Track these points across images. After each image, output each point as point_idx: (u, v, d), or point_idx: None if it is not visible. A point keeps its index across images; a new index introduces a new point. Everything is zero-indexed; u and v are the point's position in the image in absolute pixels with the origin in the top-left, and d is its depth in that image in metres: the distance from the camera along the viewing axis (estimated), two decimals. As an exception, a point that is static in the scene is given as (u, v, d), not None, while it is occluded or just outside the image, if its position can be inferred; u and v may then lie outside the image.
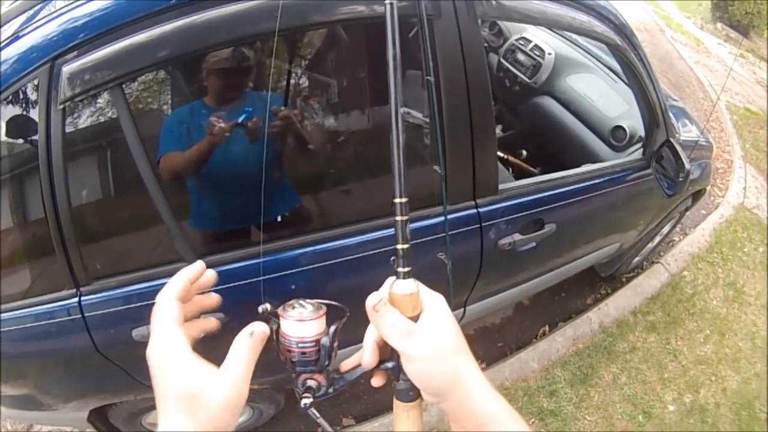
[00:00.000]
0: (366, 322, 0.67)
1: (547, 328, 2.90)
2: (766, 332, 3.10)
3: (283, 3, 1.24)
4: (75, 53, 1.22)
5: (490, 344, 2.78)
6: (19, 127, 1.32)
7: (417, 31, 1.42)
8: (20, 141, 1.36)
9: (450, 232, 1.58)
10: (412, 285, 0.63)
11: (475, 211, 1.64)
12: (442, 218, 1.56)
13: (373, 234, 1.58)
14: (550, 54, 2.73)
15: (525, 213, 1.77)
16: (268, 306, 0.68)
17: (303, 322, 0.64)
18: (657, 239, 3.13)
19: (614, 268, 2.99)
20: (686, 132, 2.61)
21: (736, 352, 2.94)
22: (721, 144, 4.98)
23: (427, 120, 1.76)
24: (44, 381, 1.71)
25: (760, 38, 9.12)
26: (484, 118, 1.56)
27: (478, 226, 1.65)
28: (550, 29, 2.85)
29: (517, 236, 1.76)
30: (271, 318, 0.67)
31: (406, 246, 0.66)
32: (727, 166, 4.67)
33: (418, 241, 1.58)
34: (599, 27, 1.78)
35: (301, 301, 0.67)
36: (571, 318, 2.97)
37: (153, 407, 1.96)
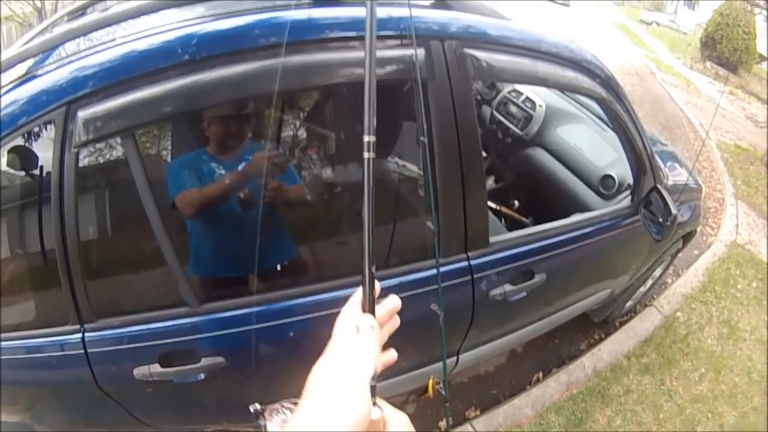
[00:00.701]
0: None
1: (540, 374, 2.92)
2: (763, 365, 3.13)
3: (283, 66, 1.32)
4: (90, 99, 1.28)
5: (484, 391, 2.79)
6: (20, 159, 1.38)
7: (412, 92, 1.51)
8: (21, 173, 1.42)
9: (442, 284, 1.63)
10: (376, 413, 0.61)
11: (466, 263, 1.69)
12: (434, 271, 1.62)
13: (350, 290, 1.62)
14: (540, 106, 2.83)
15: (515, 264, 1.82)
16: (258, 406, 0.72)
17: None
18: (649, 283, 3.17)
19: (606, 313, 3.03)
20: (675, 175, 2.69)
21: (733, 387, 2.96)
22: (712, 183, 5.07)
23: (420, 173, 1.85)
24: (40, 410, 1.74)
25: (749, 74, 9.33)
26: (475, 175, 1.63)
27: (470, 278, 1.71)
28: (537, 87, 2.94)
29: (508, 287, 1.82)
30: (260, 416, 0.72)
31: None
32: (719, 205, 4.75)
33: (412, 292, 1.65)
34: (586, 82, 1.87)
35: (286, 405, 0.71)
36: (564, 364, 2.99)
37: None
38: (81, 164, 1.34)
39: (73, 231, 1.35)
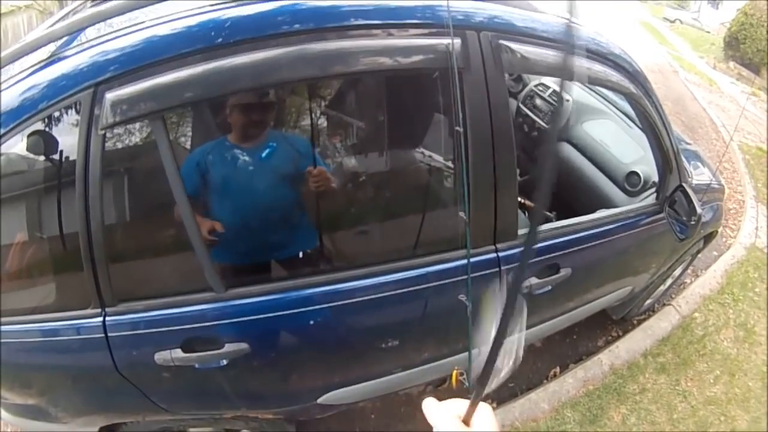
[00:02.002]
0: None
1: (558, 369, 2.92)
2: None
3: (316, 52, 1.33)
4: (118, 81, 1.28)
5: (501, 384, 2.76)
6: (41, 143, 1.38)
7: (448, 82, 1.51)
8: (42, 158, 1.42)
9: (472, 275, 1.63)
10: None
11: (495, 255, 1.69)
12: (463, 261, 1.62)
13: (391, 276, 1.62)
14: (567, 100, 2.81)
15: (542, 257, 1.83)
16: None
17: None
18: (668, 282, 3.16)
19: (626, 310, 3.02)
20: (698, 175, 2.68)
21: (746, 392, 2.95)
22: (733, 184, 5.02)
23: (447, 163, 1.84)
24: (56, 394, 1.74)
25: (773, 75, 9.19)
26: (507, 166, 1.63)
27: (498, 269, 1.71)
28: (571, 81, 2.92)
29: (534, 280, 1.82)
30: None
31: None
32: (739, 207, 4.70)
33: (441, 282, 1.65)
34: (614, 76, 1.85)
35: None
36: (582, 360, 2.99)
37: (163, 429, 2.03)
38: (107, 147, 1.34)
39: (97, 214, 1.35)
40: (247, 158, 1.69)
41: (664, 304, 3.39)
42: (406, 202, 1.88)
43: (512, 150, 1.63)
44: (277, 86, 1.57)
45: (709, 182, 2.67)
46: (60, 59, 1.36)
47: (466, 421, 0.68)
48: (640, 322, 3.25)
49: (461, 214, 1.45)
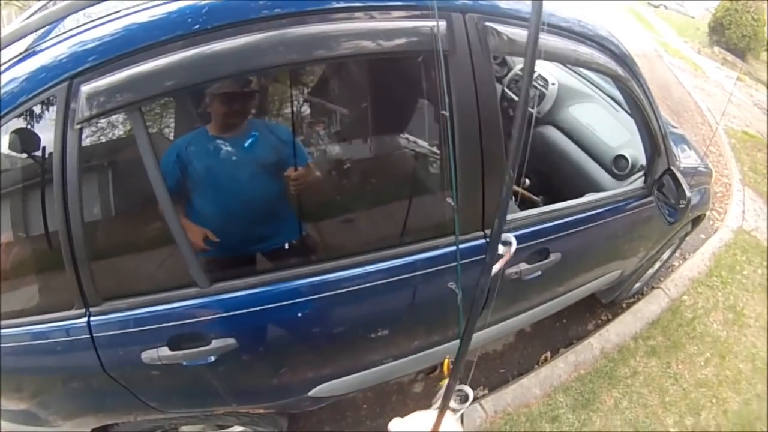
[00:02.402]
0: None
1: (548, 354, 2.93)
2: (766, 353, 3.13)
3: (297, 36, 1.30)
4: (94, 73, 1.24)
5: (491, 370, 2.81)
6: (21, 140, 1.34)
7: (433, 65, 1.48)
8: (23, 156, 1.38)
9: (461, 262, 1.61)
10: None
11: (483, 241, 1.67)
12: (452, 248, 1.60)
13: (378, 265, 1.60)
14: (553, 84, 2.79)
15: (531, 243, 1.81)
16: None
17: None
18: (657, 265, 3.17)
19: (615, 294, 3.02)
20: (686, 158, 2.67)
21: (737, 374, 2.98)
22: (719, 168, 5.05)
23: (434, 149, 1.82)
24: (46, 397, 1.71)
25: (757, 60, 9.24)
26: (495, 150, 1.60)
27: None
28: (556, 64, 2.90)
29: (524, 266, 1.81)
30: None
31: None
32: (726, 190, 4.73)
33: (429, 270, 1.63)
34: (601, 59, 1.83)
35: None
36: (572, 344, 3.00)
37: (154, 428, 1.99)
38: (84, 142, 1.30)
39: (77, 211, 1.32)
40: (230, 148, 1.65)
41: (653, 288, 3.40)
42: (392, 189, 1.85)
43: (500, 134, 1.60)
44: (258, 73, 1.51)
45: (696, 166, 2.66)
46: (36, 52, 1.32)
47: None
48: (629, 306, 3.26)
49: (449, 200, 1.43)
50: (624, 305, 3.28)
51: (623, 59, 1.90)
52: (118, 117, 1.35)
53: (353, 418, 2.53)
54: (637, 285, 3.17)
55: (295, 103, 1.77)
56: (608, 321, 3.16)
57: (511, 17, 1.60)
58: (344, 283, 1.57)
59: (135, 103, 1.27)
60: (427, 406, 2.38)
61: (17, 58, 1.33)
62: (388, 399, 2.57)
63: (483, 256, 1.65)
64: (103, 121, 1.33)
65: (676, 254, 3.57)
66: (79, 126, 1.26)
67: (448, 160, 1.52)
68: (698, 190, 2.68)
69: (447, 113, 1.43)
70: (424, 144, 1.80)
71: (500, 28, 1.56)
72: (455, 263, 1.58)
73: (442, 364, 1.54)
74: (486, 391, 2.66)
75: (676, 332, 3.15)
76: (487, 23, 1.53)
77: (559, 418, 2.57)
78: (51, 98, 1.26)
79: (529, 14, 1.31)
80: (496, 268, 0.83)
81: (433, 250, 1.63)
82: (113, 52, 1.24)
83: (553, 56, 1.80)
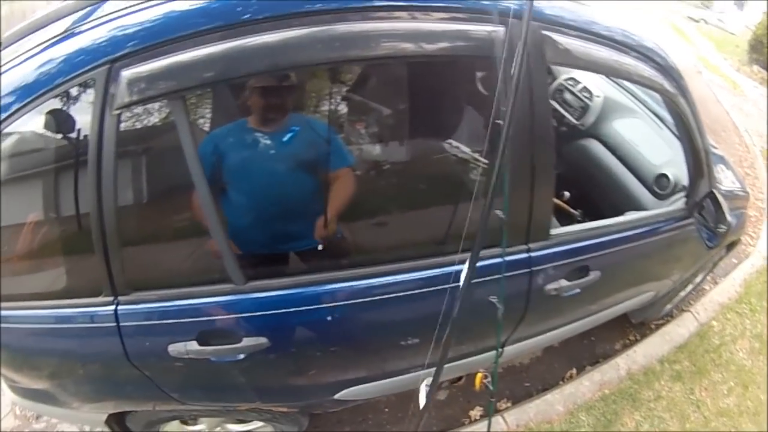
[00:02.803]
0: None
1: (574, 371, 2.87)
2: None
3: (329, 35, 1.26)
4: (134, 59, 1.22)
5: (516, 383, 2.77)
6: (57, 121, 1.33)
7: (487, 72, 1.44)
8: (59, 136, 1.37)
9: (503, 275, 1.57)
10: None
11: (527, 255, 1.63)
12: (492, 261, 1.56)
13: (414, 274, 1.57)
14: (598, 96, 2.73)
15: (573, 259, 1.77)
16: None
17: None
18: (689, 287, 3.10)
19: (646, 314, 2.96)
20: (724, 180, 2.61)
21: (758, 405, 2.88)
22: (754, 191, 4.93)
23: (479, 157, 1.77)
24: (66, 379, 1.71)
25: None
26: (545, 162, 1.56)
27: (528, 270, 1.65)
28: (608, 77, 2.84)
29: (564, 282, 1.76)
30: None
31: None
32: (760, 215, 4.61)
33: (474, 281, 1.59)
34: (646, 71, 1.76)
35: None
36: (598, 362, 2.94)
37: (173, 417, 1.99)
38: (122, 127, 1.28)
39: (110, 198, 1.29)
40: (268, 142, 1.63)
41: (683, 310, 3.32)
42: (431, 195, 1.82)
43: (551, 146, 1.57)
44: (301, 68, 1.50)
45: (734, 189, 2.59)
46: (75, 34, 1.31)
47: None
48: (658, 327, 3.19)
49: (498, 212, 1.39)
50: (653, 326, 3.20)
51: (670, 73, 1.83)
52: (158, 104, 1.34)
53: (374, 421, 2.51)
54: (668, 306, 3.10)
55: (336, 99, 1.74)
56: (636, 341, 3.09)
57: (570, 27, 1.56)
58: (380, 289, 1.54)
59: (177, 92, 1.25)
60: (450, 414, 2.37)
61: (55, 39, 1.32)
62: (410, 404, 2.53)
63: (527, 270, 1.64)
64: (141, 107, 1.32)
65: (708, 278, 3.49)
66: (118, 111, 1.24)
67: (496, 170, 1.47)
68: (735, 214, 2.61)
69: (502, 122, 1.39)
70: (469, 151, 1.76)
71: (557, 37, 1.52)
72: (496, 276, 1.55)
73: (475, 378, 1.51)
74: (509, 404, 2.62)
75: (702, 358, 3.07)
76: (545, 32, 1.49)
77: (579, 437, 2.52)
78: (89, 81, 1.24)
79: (589, 26, 1.25)
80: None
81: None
82: (155, 39, 1.23)
83: (593, 66, 1.74)
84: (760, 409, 2.86)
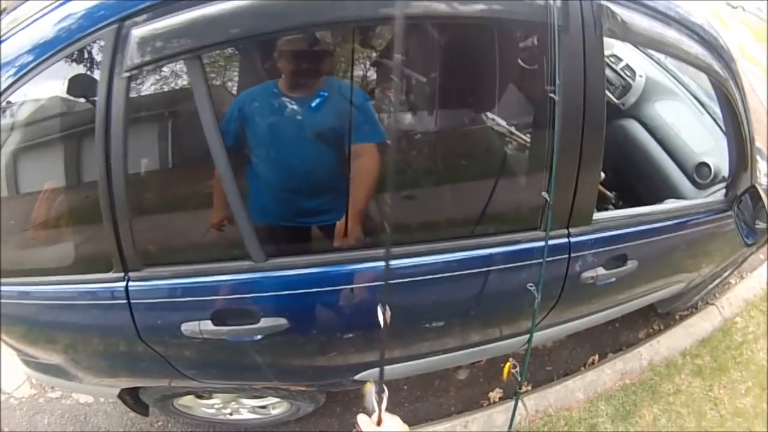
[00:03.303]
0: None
1: (596, 357, 2.83)
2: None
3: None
4: (147, 16, 1.12)
5: (538, 367, 2.74)
6: (81, 86, 1.24)
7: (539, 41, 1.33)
8: (82, 100, 1.28)
9: (536, 261, 1.50)
10: None
11: (566, 240, 1.55)
12: (529, 245, 1.48)
13: (444, 256, 1.48)
14: (641, 76, 2.60)
15: (612, 247, 1.68)
16: None
17: None
18: (717, 281, 3.01)
19: (673, 305, 2.90)
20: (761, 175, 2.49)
21: (774, 408, 2.84)
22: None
23: (521, 133, 1.68)
24: (79, 354, 1.67)
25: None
26: (595, 144, 1.46)
27: (567, 256, 1.57)
28: (663, 55, 2.69)
29: (601, 270, 1.68)
30: None
31: None
32: (789, 211, 4.49)
33: (503, 266, 1.52)
34: (694, 49, 1.65)
35: None
36: (621, 350, 2.90)
37: (187, 392, 1.97)
38: (132, 92, 1.19)
39: (120, 168, 1.21)
40: (296, 108, 1.50)
41: (708, 303, 3.24)
42: (467, 172, 1.72)
43: (602, 125, 1.46)
44: (334, 26, 1.37)
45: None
46: None
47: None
48: (682, 318, 3.12)
49: (544, 193, 1.31)
50: (677, 317, 3.14)
51: (722, 55, 1.71)
52: (174, 65, 1.23)
53: (391, 400, 2.44)
54: (696, 298, 3.02)
55: (366, 64, 1.64)
56: (660, 331, 3.04)
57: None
58: (408, 270, 1.46)
59: (195, 51, 1.15)
60: (470, 395, 2.32)
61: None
62: (430, 383, 2.53)
63: (565, 256, 1.56)
64: (154, 70, 1.23)
65: (735, 272, 3.40)
66: (128, 74, 1.15)
67: (545, 148, 1.38)
68: (767, 209, 2.51)
69: (556, 96, 1.29)
70: (512, 127, 1.67)
71: (617, 9, 1.40)
72: (534, 261, 1.48)
73: (503, 367, 1.45)
74: (529, 387, 2.59)
75: (724, 355, 3.00)
76: (604, 2, 1.38)
77: (597, 426, 2.49)
78: (97, 42, 1.15)
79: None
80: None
81: (509, 245, 1.51)
82: None
83: (650, 42, 1.62)
84: (776, 413, 2.80)
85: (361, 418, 1.03)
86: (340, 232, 1.50)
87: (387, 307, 1.03)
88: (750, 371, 2.97)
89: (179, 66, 1.22)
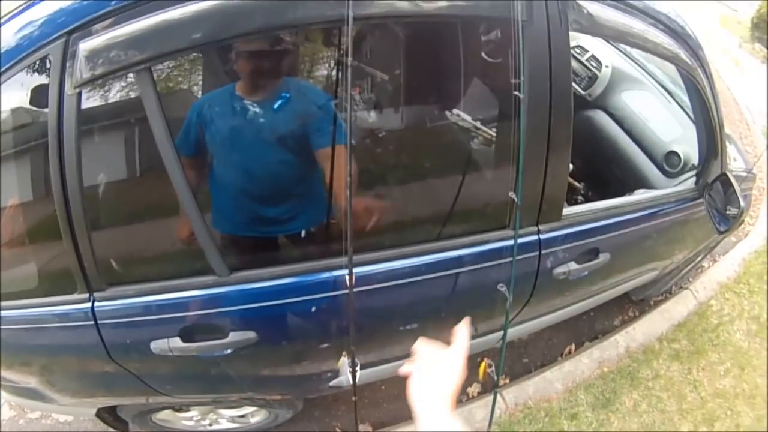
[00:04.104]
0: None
1: (573, 346, 2.86)
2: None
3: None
4: (95, 28, 1.09)
5: (515, 359, 2.75)
6: (43, 96, 1.18)
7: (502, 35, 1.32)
8: (46, 110, 1.21)
9: (506, 260, 1.49)
10: None
11: (536, 237, 1.55)
12: (502, 243, 1.48)
13: (412, 260, 1.46)
14: (607, 66, 2.61)
15: (584, 241, 1.68)
16: None
17: None
18: (690, 266, 3.05)
19: (647, 292, 2.94)
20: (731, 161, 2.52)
21: (753, 388, 2.87)
22: (755, 170, 4.85)
23: (487, 129, 1.66)
24: (53, 377, 1.64)
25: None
26: (562, 139, 1.46)
27: (537, 253, 1.57)
28: (629, 47, 2.70)
29: (573, 265, 1.68)
30: None
31: None
32: (759, 194, 4.55)
33: (478, 266, 1.51)
34: (671, 44, 1.65)
35: None
36: (597, 338, 2.93)
37: (164, 407, 1.94)
38: (84, 105, 1.15)
39: (76, 188, 1.18)
40: (257, 110, 1.44)
41: (682, 288, 3.29)
42: (433, 172, 1.69)
43: (569, 120, 1.45)
44: (290, 29, 1.33)
45: (743, 170, 2.51)
46: (34, 4, 1.18)
47: None
48: (657, 304, 3.16)
49: (511, 194, 1.30)
50: (652, 303, 3.18)
51: (689, 43, 1.71)
52: (121, 80, 1.20)
53: (370, 399, 2.48)
54: (669, 284, 3.06)
55: (330, 63, 1.60)
56: (635, 318, 3.07)
57: None
58: (376, 276, 1.44)
59: (143, 63, 1.11)
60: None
61: (16, 11, 1.20)
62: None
63: (536, 254, 1.55)
64: (105, 84, 1.19)
65: (708, 256, 3.45)
66: (77, 89, 1.11)
67: (512, 145, 1.37)
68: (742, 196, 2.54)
69: (521, 94, 1.28)
70: (477, 124, 1.65)
71: (583, 2, 1.39)
72: (504, 260, 1.47)
73: (479, 366, 1.44)
74: (507, 380, 2.60)
75: (701, 338, 3.05)
76: None
77: (578, 416, 2.50)
78: (46, 57, 1.12)
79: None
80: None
81: (481, 245, 1.50)
82: (119, 2, 1.09)
83: (617, 34, 1.61)
84: (756, 392, 2.85)
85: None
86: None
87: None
88: (728, 352, 3.02)
89: (130, 77, 1.18)
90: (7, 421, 2.49)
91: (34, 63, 1.15)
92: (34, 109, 1.24)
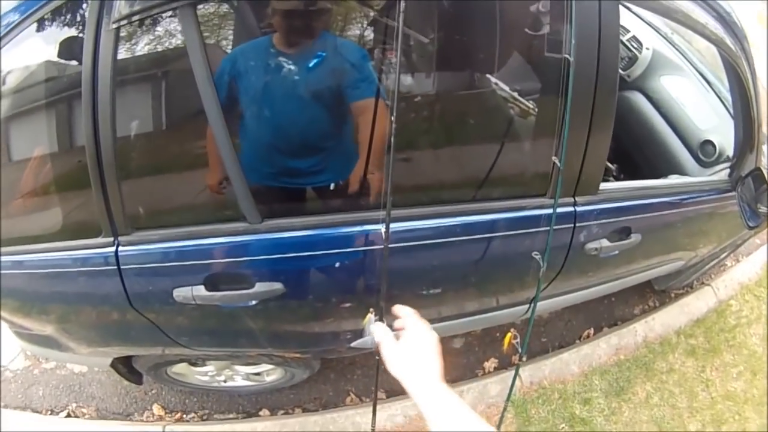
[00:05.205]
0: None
1: (592, 330, 2.84)
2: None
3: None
4: None
5: (534, 337, 2.74)
6: (72, 48, 1.17)
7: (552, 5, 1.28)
8: (73, 63, 1.21)
9: (540, 229, 1.47)
10: None
11: (572, 209, 1.51)
12: (539, 211, 1.45)
13: (445, 220, 1.43)
14: (648, 48, 2.54)
15: (617, 219, 1.65)
16: None
17: None
18: (714, 261, 3.00)
19: (670, 282, 2.89)
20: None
21: (763, 395, 2.84)
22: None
23: (515, 94, 1.61)
24: (70, 324, 1.63)
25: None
26: (606, 112, 1.41)
27: (572, 226, 1.54)
28: (670, 30, 2.66)
29: (605, 242, 1.65)
30: None
31: None
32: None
33: (512, 233, 1.48)
34: (717, 28, 1.60)
35: None
36: (616, 324, 2.91)
37: (180, 360, 1.94)
38: (121, 45, 1.12)
39: (108, 130, 1.16)
40: (292, 67, 1.40)
41: (703, 283, 3.25)
42: (472, 136, 1.63)
43: (614, 92, 1.41)
44: None
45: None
46: None
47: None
48: (677, 297, 3.13)
49: (554, 158, 1.27)
50: (673, 295, 3.15)
51: (734, 30, 1.66)
52: (165, 18, 1.17)
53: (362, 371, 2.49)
54: (692, 277, 3.02)
55: (364, 23, 1.55)
56: (655, 308, 3.05)
57: None
58: (408, 234, 1.41)
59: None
60: (464, 364, 2.31)
61: None
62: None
63: (570, 226, 1.52)
64: (144, 22, 1.16)
65: (731, 254, 3.39)
66: (115, 26, 1.09)
67: (555, 112, 1.33)
68: (768, 194, 2.48)
69: (571, 57, 1.24)
70: (505, 87, 1.60)
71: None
72: (539, 229, 1.44)
73: (504, 338, 1.42)
74: (524, 359, 2.56)
75: (717, 336, 3.02)
76: None
77: (591, 401, 2.49)
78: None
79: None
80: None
81: (516, 210, 1.47)
82: None
83: (666, 11, 1.56)
84: (764, 399, 2.81)
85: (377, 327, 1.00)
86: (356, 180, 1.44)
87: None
88: (742, 355, 2.98)
89: (170, 19, 1.16)
90: (21, 371, 2.54)
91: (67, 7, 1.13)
92: (62, 62, 1.22)
